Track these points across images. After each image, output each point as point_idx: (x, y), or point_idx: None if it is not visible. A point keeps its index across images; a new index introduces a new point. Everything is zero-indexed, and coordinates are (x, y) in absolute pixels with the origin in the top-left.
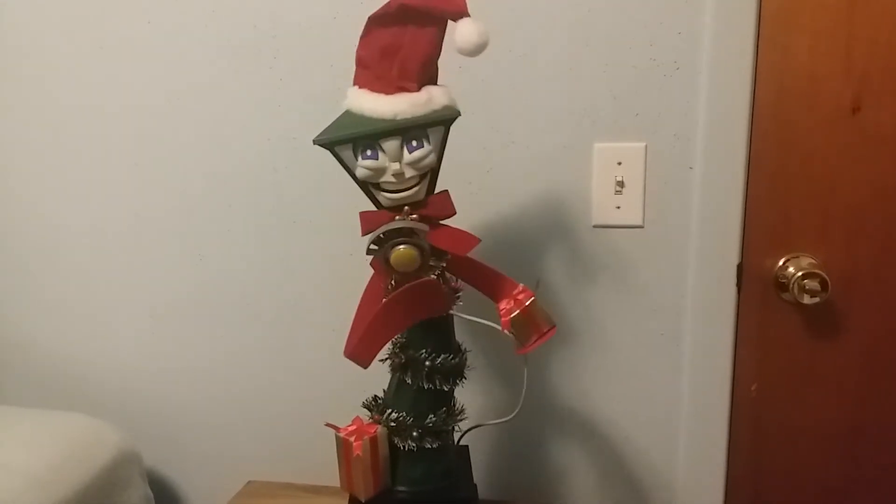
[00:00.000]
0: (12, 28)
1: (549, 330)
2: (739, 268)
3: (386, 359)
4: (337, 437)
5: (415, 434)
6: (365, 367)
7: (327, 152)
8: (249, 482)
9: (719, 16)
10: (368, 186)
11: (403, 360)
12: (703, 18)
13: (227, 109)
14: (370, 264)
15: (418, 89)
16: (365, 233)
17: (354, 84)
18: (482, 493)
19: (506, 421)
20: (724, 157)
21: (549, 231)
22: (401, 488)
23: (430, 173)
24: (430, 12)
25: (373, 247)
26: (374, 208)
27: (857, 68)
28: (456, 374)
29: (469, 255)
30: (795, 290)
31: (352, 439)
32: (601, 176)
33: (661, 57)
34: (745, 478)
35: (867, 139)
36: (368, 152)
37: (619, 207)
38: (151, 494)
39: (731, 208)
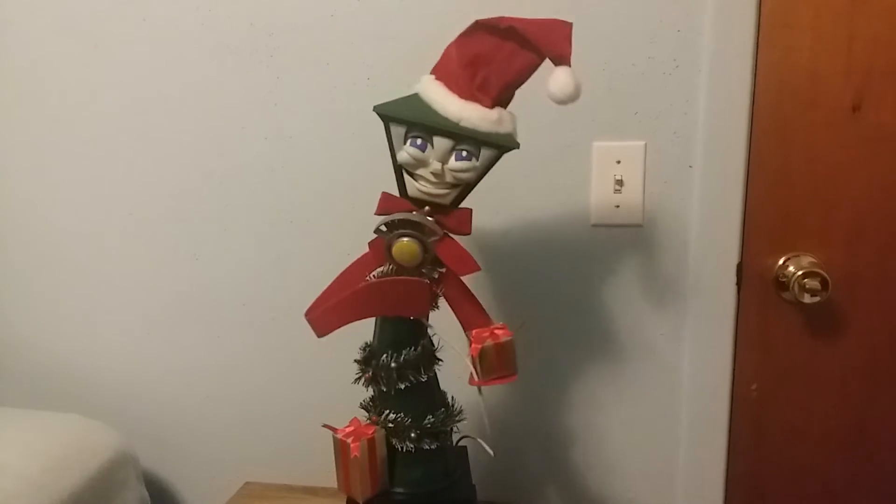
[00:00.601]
0: (7, 27)
1: (510, 375)
2: (739, 267)
3: (356, 379)
4: (334, 439)
5: (413, 435)
6: (319, 336)
7: (327, 147)
8: (246, 483)
9: (719, 13)
10: (403, 171)
11: (371, 373)
12: (703, 16)
13: (223, 108)
14: (368, 244)
15: (491, 106)
16: (379, 212)
17: (432, 73)
18: (481, 494)
19: (491, 454)
20: (724, 155)
21: (547, 230)
22: (399, 490)
23: (464, 188)
24: (536, 45)
25: (382, 228)
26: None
27: (857, 67)
28: (426, 362)
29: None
30: (796, 290)
31: (349, 441)
32: (600, 174)
33: (661, 55)
34: (745, 479)
35: (868, 138)
36: (419, 141)
37: (618, 206)
38: (148, 496)
39: (730, 207)
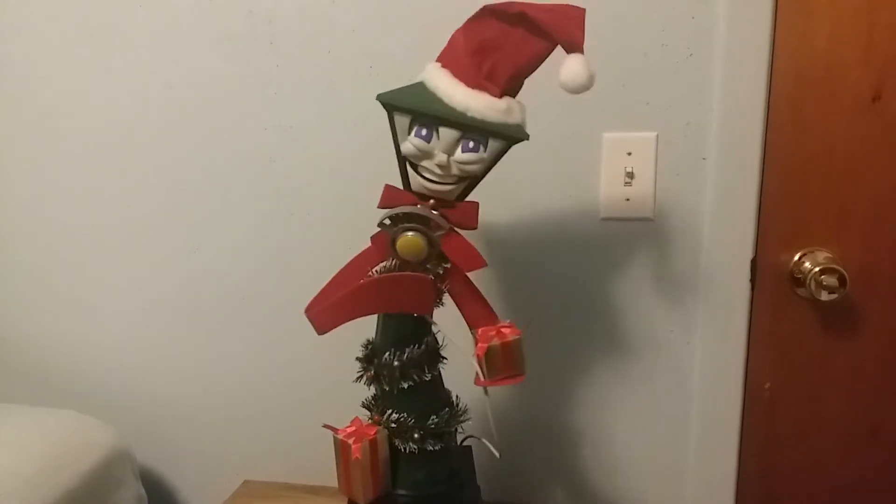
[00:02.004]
0: (1, 14)
1: (517, 375)
2: (753, 262)
3: (357, 378)
4: (335, 440)
5: (416, 436)
6: (319, 334)
7: (328, 139)
8: (245, 481)
9: (734, 0)
10: (407, 163)
11: (374, 372)
12: (718, 2)
13: (222, 97)
14: (371, 238)
15: (500, 96)
16: (382, 206)
17: (438, 61)
18: (485, 494)
19: (497, 455)
20: (739, 147)
21: (555, 223)
22: (402, 492)
23: (471, 181)
24: (547, 31)
25: (386, 221)
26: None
27: (878, 55)
28: (430, 360)
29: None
30: (812, 286)
31: (350, 442)
32: (610, 166)
33: (674, 43)
34: (757, 480)
35: (888, 129)
36: (424, 131)
37: (628, 199)
38: (145, 494)
39: (745, 200)
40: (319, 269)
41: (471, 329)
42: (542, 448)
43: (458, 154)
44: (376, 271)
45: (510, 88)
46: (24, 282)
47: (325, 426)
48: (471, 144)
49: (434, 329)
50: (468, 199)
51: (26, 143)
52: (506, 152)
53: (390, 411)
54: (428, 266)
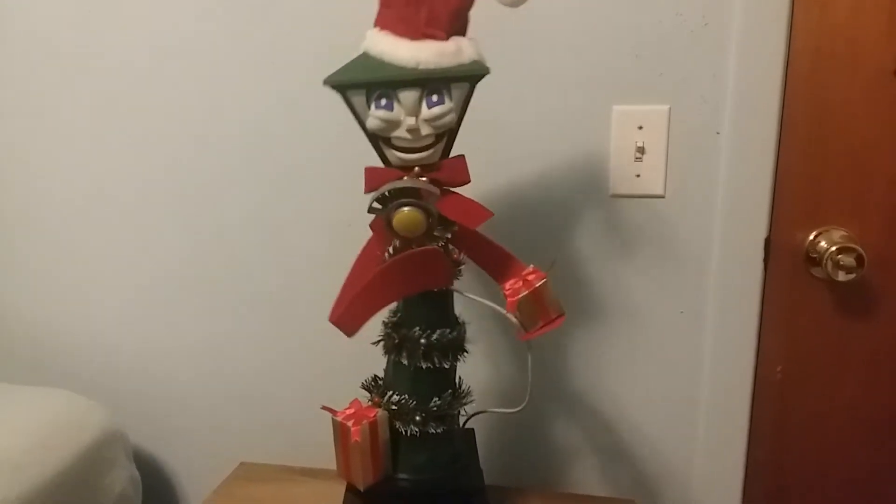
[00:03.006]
0: None
1: (557, 317)
2: (767, 241)
3: (378, 340)
4: (334, 422)
5: (418, 418)
6: (349, 336)
7: (327, 111)
8: (242, 463)
9: None
10: (378, 141)
11: (397, 341)
12: None
13: (218, 69)
14: (370, 225)
15: (446, 38)
16: (368, 190)
17: (375, 25)
18: (487, 478)
19: (514, 412)
20: (754, 121)
21: (563, 200)
22: (402, 476)
23: (448, 134)
24: None
25: (376, 205)
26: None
27: None
28: (455, 349)
29: (478, 229)
30: (829, 267)
31: (350, 424)
32: (620, 141)
33: (689, 12)
34: (767, 466)
35: None
36: (383, 101)
37: (639, 175)
38: (138, 476)
39: (760, 177)
40: (318, 246)
41: (499, 285)
42: (547, 432)
43: (425, 111)
44: (386, 258)
45: (455, 28)
46: (16, 259)
47: (324, 408)
48: (434, 98)
49: (465, 296)
50: (452, 154)
51: (18, 120)
52: (472, 94)
53: (391, 392)
54: (435, 234)
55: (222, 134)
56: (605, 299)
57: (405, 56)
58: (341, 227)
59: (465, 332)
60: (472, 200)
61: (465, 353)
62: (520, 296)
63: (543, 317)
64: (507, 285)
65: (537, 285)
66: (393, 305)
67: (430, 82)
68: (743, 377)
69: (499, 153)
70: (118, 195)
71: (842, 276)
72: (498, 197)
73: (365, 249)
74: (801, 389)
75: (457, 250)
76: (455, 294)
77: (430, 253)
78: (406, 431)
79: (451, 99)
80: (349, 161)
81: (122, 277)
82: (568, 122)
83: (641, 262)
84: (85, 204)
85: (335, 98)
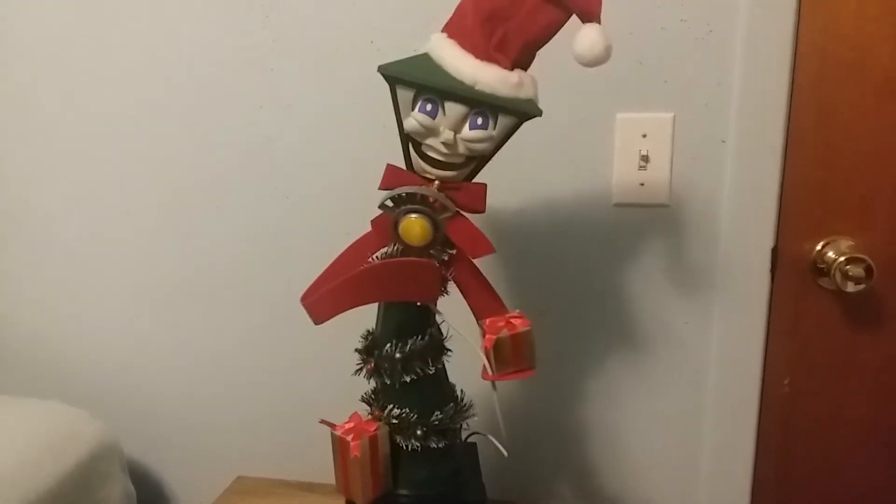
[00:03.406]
0: None
1: (527, 369)
2: (774, 251)
3: (357, 370)
4: (333, 436)
5: (419, 432)
6: (316, 324)
7: (326, 122)
8: (239, 478)
9: None
10: (410, 144)
11: (374, 364)
12: None
13: (215, 73)
14: (371, 221)
15: (510, 68)
16: (384, 187)
17: (444, 31)
18: (490, 492)
19: (504, 453)
20: (760, 129)
21: (565, 209)
22: (403, 492)
23: (478, 162)
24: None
25: (388, 203)
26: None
27: None
28: (434, 351)
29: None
30: (838, 277)
31: (349, 438)
32: (624, 149)
33: (693, 18)
34: (774, 481)
35: None
36: (429, 107)
37: (642, 184)
38: (133, 490)
39: (766, 186)
40: (318, 254)
41: (477, 320)
42: (550, 445)
43: (466, 131)
44: (377, 257)
45: (521, 60)
46: (9, 267)
47: (323, 421)
48: (479, 121)
49: (438, 319)
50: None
51: (12, 126)
52: (516, 130)
53: (391, 406)
54: (432, 252)
55: (220, 139)
56: (608, 310)
57: (466, 71)
58: (342, 235)
59: (437, 331)
60: (479, 231)
61: (447, 353)
62: (500, 335)
63: (515, 364)
64: (489, 322)
65: (520, 331)
66: (362, 330)
67: (481, 105)
68: (749, 390)
69: (499, 160)
70: (113, 203)
71: (851, 287)
72: (498, 205)
73: (358, 241)
74: (808, 402)
75: (448, 271)
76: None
77: (426, 266)
78: (407, 446)
79: (494, 127)
80: (351, 168)
81: (117, 286)
82: (570, 130)
83: (645, 272)
84: (79, 212)
85: (336, 104)
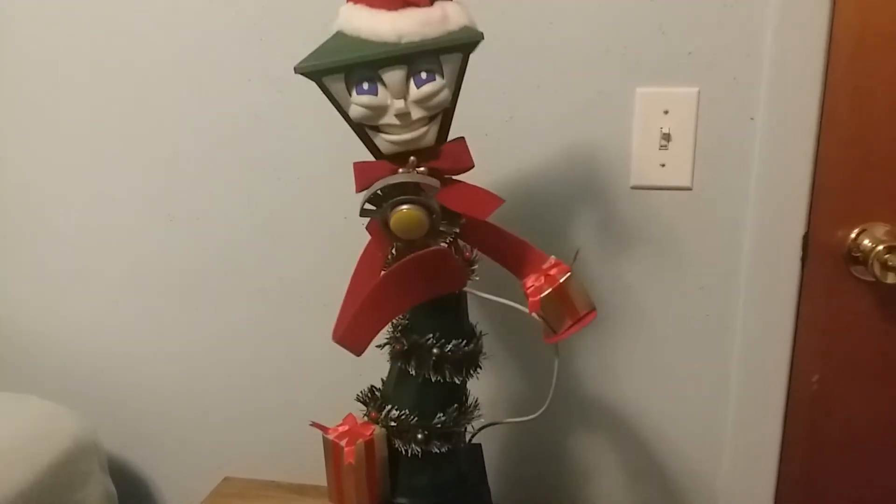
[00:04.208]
0: None
1: (587, 314)
2: (805, 238)
3: (384, 344)
4: (325, 440)
5: (420, 436)
6: (357, 355)
7: (317, 90)
8: (227, 478)
9: None
10: (365, 129)
11: (406, 347)
12: None
13: (200, 44)
14: (366, 228)
15: (430, 4)
16: (360, 189)
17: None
18: (496, 495)
19: (528, 420)
20: (792, 106)
21: (578, 193)
22: (402, 500)
23: (443, 115)
24: None
25: (369, 206)
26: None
27: None
28: (470, 363)
29: (489, 219)
30: (876, 268)
31: (342, 443)
32: (643, 127)
33: None
34: (800, 484)
35: None
36: (365, 85)
37: (663, 165)
38: (114, 490)
39: (798, 168)
40: (312, 240)
41: (520, 280)
42: (561, 445)
43: (414, 92)
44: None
45: None
46: None
47: (314, 424)
48: (423, 75)
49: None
50: (450, 136)
51: None
52: (466, 65)
53: (390, 407)
54: (441, 230)
55: (206, 115)
56: (624, 301)
57: (385, 30)
58: (337, 219)
59: (482, 345)
60: (479, 188)
61: (478, 369)
62: (542, 294)
63: (571, 314)
64: (528, 282)
65: (561, 280)
66: None
67: (417, 58)
68: (775, 388)
69: (509, 139)
70: (90, 182)
71: (891, 279)
72: (506, 187)
73: (364, 255)
74: (839, 401)
75: (468, 247)
76: (471, 297)
77: (437, 254)
78: (406, 451)
79: (442, 74)
80: (348, 146)
81: (98, 275)
82: (585, 106)
83: (664, 261)
84: (54, 191)
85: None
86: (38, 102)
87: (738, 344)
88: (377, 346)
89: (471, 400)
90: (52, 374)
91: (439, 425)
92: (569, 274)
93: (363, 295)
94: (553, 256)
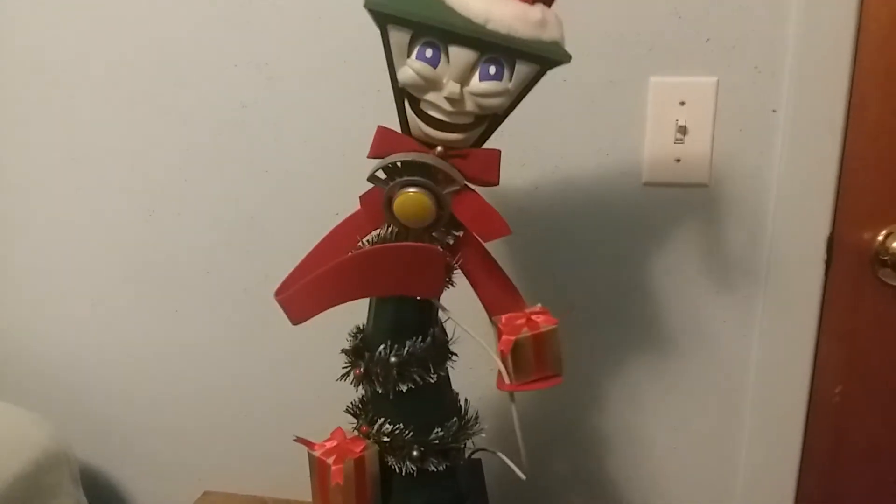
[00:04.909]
0: None
1: (552, 376)
2: (830, 240)
3: (342, 375)
4: (310, 457)
5: (415, 453)
6: (294, 324)
7: (309, 84)
8: (206, 493)
9: None
10: (406, 99)
11: (363, 368)
12: None
13: (183, 29)
14: (360, 198)
15: (532, 2)
16: (373, 154)
17: None
18: None
19: (520, 474)
20: (818, 98)
21: (586, 188)
22: None
23: (489, 123)
24: None
25: (379, 174)
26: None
27: None
28: (436, 357)
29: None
30: None
31: (330, 461)
32: (658, 119)
33: None
34: (819, 501)
35: None
36: (429, 52)
37: (678, 160)
38: (86, 502)
39: (823, 164)
40: (301, 238)
41: (490, 317)
42: (567, 457)
43: (475, 83)
44: (367, 241)
45: None
46: None
47: (298, 440)
48: (492, 70)
49: (442, 317)
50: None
51: None
52: (537, 81)
53: (382, 421)
54: (434, 235)
55: (189, 104)
56: (634, 304)
57: (475, 7)
58: (327, 217)
59: (441, 331)
60: (491, 207)
61: (452, 358)
62: (520, 335)
63: (538, 370)
64: (506, 319)
65: (543, 330)
66: (352, 327)
67: (495, 49)
68: (795, 399)
69: (514, 130)
70: (66, 175)
71: None
72: (511, 182)
73: (345, 222)
74: (862, 414)
75: (455, 258)
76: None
77: (428, 252)
78: (400, 469)
79: (510, 78)
80: (337, 137)
81: (72, 273)
82: (595, 96)
83: (679, 261)
84: (26, 184)
85: (320, 63)
86: (12, 93)
87: (756, 352)
88: (336, 381)
89: (471, 413)
90: (21, 380)
91: (437, 441)
92: (554, 327)
93: (326, 264)
94: (540, 305)
